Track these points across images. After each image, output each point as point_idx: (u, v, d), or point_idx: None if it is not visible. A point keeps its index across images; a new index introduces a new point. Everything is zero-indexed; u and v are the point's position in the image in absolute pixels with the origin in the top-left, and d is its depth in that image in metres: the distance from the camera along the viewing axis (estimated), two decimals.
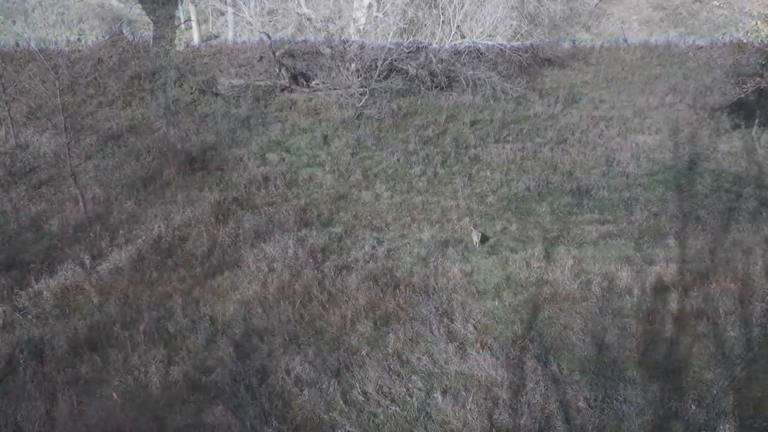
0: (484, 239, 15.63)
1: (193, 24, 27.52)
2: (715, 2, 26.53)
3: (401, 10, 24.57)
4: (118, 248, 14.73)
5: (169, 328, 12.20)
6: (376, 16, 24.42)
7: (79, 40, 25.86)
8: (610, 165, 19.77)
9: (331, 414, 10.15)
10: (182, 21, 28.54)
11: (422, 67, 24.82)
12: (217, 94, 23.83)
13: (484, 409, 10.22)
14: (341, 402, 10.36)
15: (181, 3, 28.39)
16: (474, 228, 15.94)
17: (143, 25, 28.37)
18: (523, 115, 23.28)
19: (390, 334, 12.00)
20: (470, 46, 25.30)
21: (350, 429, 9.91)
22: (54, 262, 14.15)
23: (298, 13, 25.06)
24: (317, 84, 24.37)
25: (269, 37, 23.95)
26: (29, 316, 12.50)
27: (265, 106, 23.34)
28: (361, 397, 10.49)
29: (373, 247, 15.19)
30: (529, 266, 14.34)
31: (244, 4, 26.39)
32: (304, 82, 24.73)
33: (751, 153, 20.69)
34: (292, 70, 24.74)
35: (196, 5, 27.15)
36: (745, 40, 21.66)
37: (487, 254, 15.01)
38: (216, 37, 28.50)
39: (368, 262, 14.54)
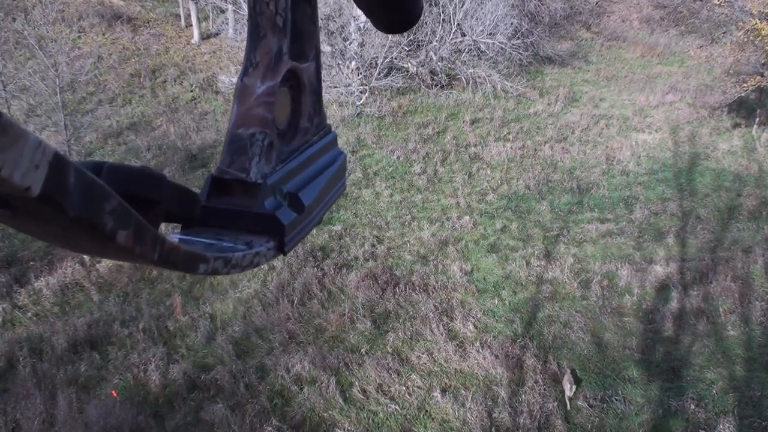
0: (577, 381, 10.84)
1: (194, 21, 27.50)
2: (715, 1, 26.46)
3: None
4: None
5: (168, 326, 12.21)
6: None
7: (79, 37, 25.83)
8: (611, 163, 19.76)
9: (330, 412, 10.16)
10: (182, 19, 28.52)
11: (422, 66, 24.79)
12: (217, 92, 23.81)
13: (484, 407, 10.23)
14: (341, 400, 10.37)
15: (182, 0, 28.35)
16: (568, 376, 10.61)
17: (143, 22, 28.35)
18: (524, 114, 23.27)
19: (389, 332, 12.01)
20: (470, 45, 25.27)
21: (350, 427, 9.91)
22: (54, 259, 14.15)
23: None
24: None
25: None
26: (29, 314, 12.50)
27: None
28: (360, 395, 10.50)
29: (373, 246, 15.19)
30: (529, 265, 14.35)
31: (245, 1, 26.35)
32: None
33: (751, 152, 20.68)
34: None
35: (196, 3, 27.12)
36: (745, 39, 21.64)
37: (487, 253, 15.00)
38: (216, 34, 28.47)
39: (368, 260, 14.54)
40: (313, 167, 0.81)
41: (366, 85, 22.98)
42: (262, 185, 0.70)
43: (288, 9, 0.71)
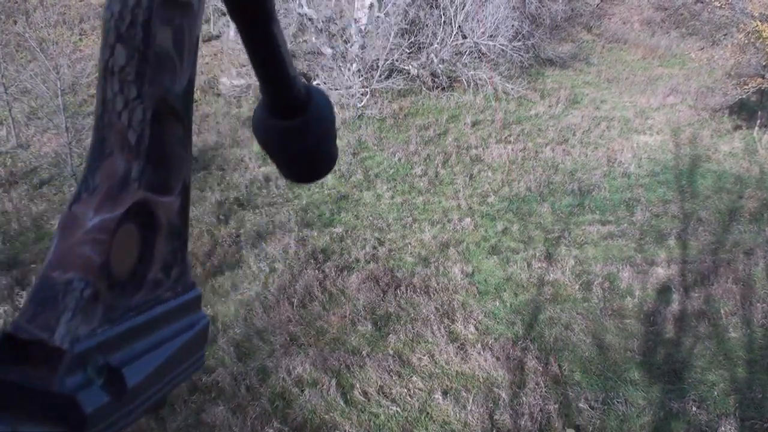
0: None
1: None
2: (716, 3, 26.47)
3: (402, 11, 24.51)
4: None
5: None
6: (378, 17, 24.37)
7: (80, 39, 25.89)
8: (612, 165, 19.76)
9: (331, 414, 10.16)
10: None
11: (423, 68, 24.81)
12: (218, 94, 23.83)
13: (485, 409, 10.22)
14: (342, 402, 10.37)
15: None
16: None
17: None
18: (525, 116, 23.28)
19: (390, 334, 12.00)
20: (471, 47, 25.30)
21: (350, 429, 9.91)
22: None
23: (299, 13, 25.03)
24: (318, 84, 24.39)
25: None
26: None
27: None
28: (361, 397, 10.49)
29: (374, 248, 15.19)
30: (530, 267, 14.34)
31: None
32: (305, 82, 24.71)
33: (752, 154, 20.68)
34: None
35: None
36: (746, 41, 21.65)
37: (488, 255, 14.99)
38: (217, 37, 28.50)
39: (369, 262, 14.54)
40: (157, 333, 0.61)
41: (367, 87, 23.00)
42: (67, 351, 0.50)
43: (146, 124, 0.56)
